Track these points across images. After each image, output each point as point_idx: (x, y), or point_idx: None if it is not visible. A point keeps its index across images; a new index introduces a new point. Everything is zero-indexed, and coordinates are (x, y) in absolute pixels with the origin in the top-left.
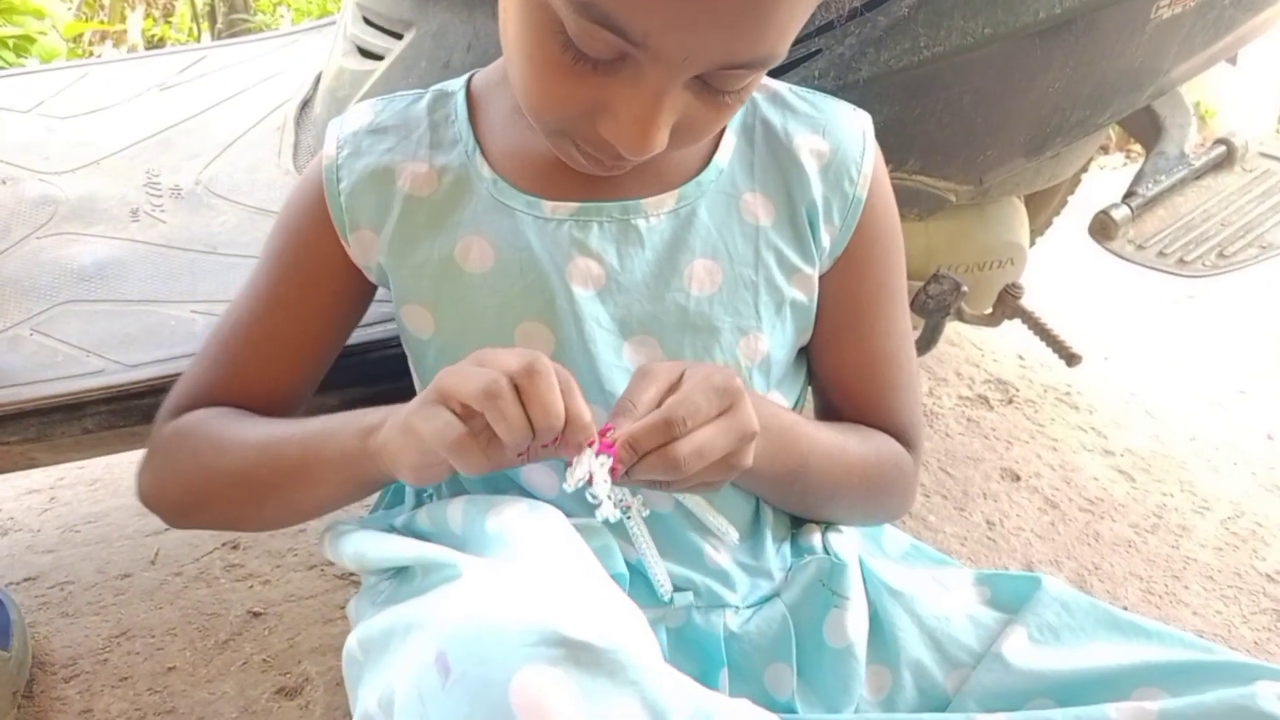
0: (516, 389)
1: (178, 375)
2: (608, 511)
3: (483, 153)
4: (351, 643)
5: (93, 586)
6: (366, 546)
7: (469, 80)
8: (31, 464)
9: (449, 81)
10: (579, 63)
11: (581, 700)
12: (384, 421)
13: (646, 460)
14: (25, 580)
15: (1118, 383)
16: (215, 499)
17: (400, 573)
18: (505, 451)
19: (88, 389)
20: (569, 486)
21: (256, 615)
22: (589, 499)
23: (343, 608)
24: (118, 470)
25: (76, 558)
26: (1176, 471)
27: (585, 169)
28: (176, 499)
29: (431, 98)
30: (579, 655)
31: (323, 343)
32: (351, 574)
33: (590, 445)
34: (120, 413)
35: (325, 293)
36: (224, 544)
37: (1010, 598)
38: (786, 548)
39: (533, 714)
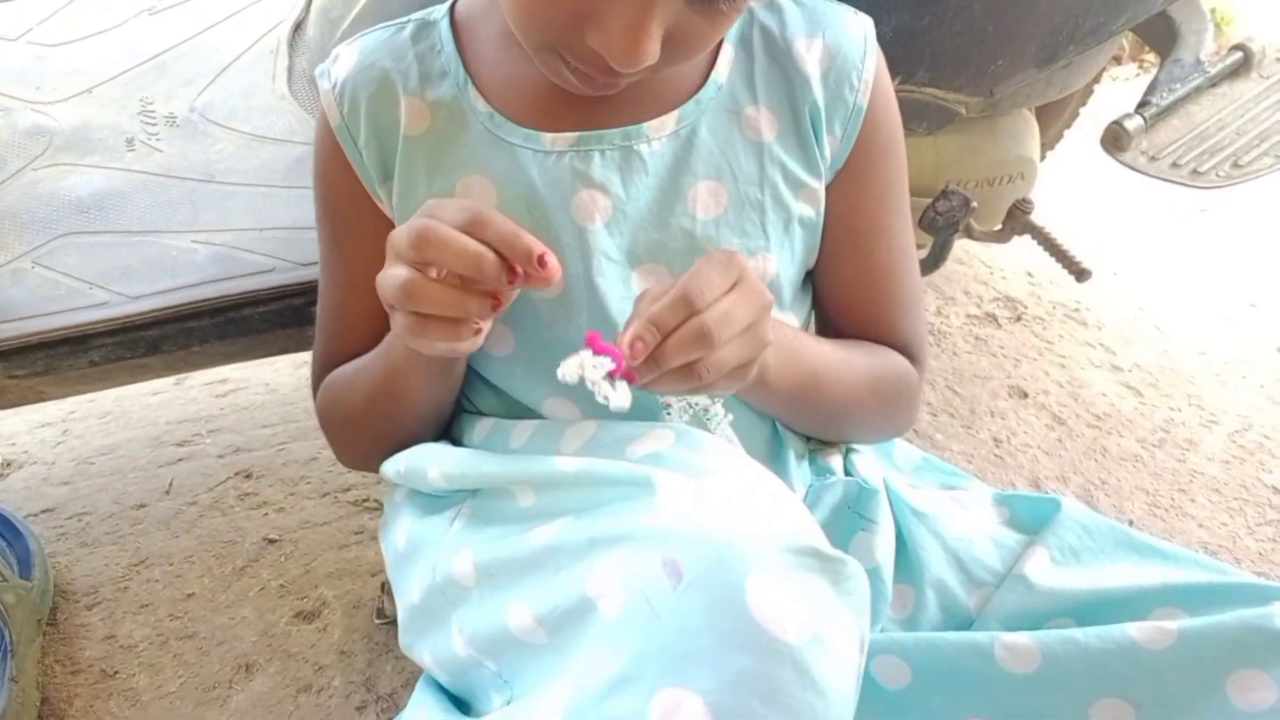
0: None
1: (182, 305)
2: (608, 392)
3: (474, 84)
4: (454, 569)
5: (110, 517)
6: (461, 459)
7: (452, 7)
8: (40, 397)
9: (430, 9)
10: None
11: (810, 602)
12: None
13: (676, 337)
14: (43, 512)
15: (1127, 298)
16: (371, 431)
17: (482, 494)
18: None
19: (92, 321)
20: (563, 376)
21: (272, 542)
22: (600, 398)
23: (358, 533)
24: (128, 402)
25: (92, 489)
26: (1184, 386)
27: (577, 89)
28: (358, 449)
29: (414, 28)
30: (807, 561)
31: None
32: (365, 500)
33: (591, 346)
34: (126, 344)
35: (379, 246)
36: (237, 473)
37: (1030, 519)
38: (806, 465)
39: (767, 612)
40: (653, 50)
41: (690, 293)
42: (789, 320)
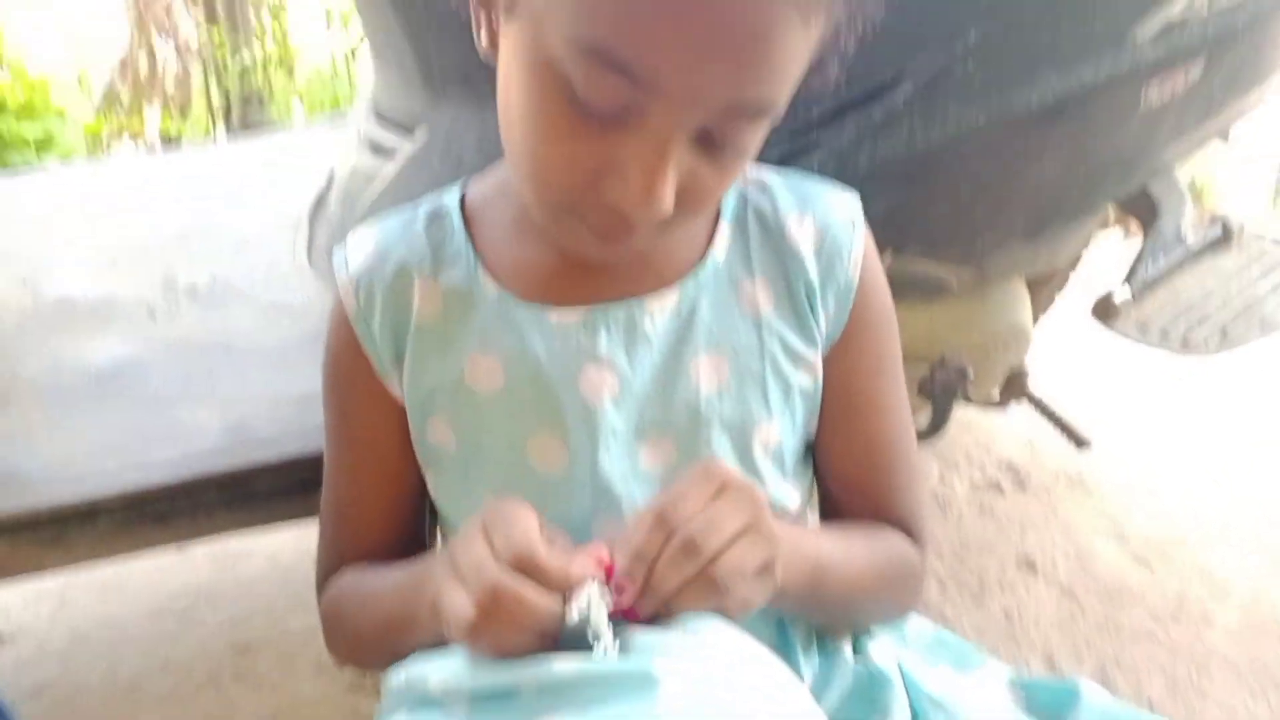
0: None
1: (192, 477)
2: (607, 643)
3: (484, 266)
4: None
5: (101, 695)
6: (459, 669)
7: (463, 193)
8: (43, 568)
9: (442, 194)
10: (584, 121)
11: None
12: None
13: (664, 558)
14: (33, 688)
15: (1128, 465)
16: (373, 648)
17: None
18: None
19: (102, 492)
20: (570, 617)
21: None
22: (590, 638)
23: (351, 716)
24: (128, 571)
25: (85, 664)
26: (1192, 556)
27: (591, 252)
28: (360, 662)
29: (427, 215)
30: None
31: (411, 483)
32: (361, 683)
33: (594, 579)
34: (134, 515)
35: (393, 440)
36: (234, 648)
37: (1049, 706)
38: (815, 653)
39: None
40: (668, 198)
41: (665, 511)
42: (790, 490)
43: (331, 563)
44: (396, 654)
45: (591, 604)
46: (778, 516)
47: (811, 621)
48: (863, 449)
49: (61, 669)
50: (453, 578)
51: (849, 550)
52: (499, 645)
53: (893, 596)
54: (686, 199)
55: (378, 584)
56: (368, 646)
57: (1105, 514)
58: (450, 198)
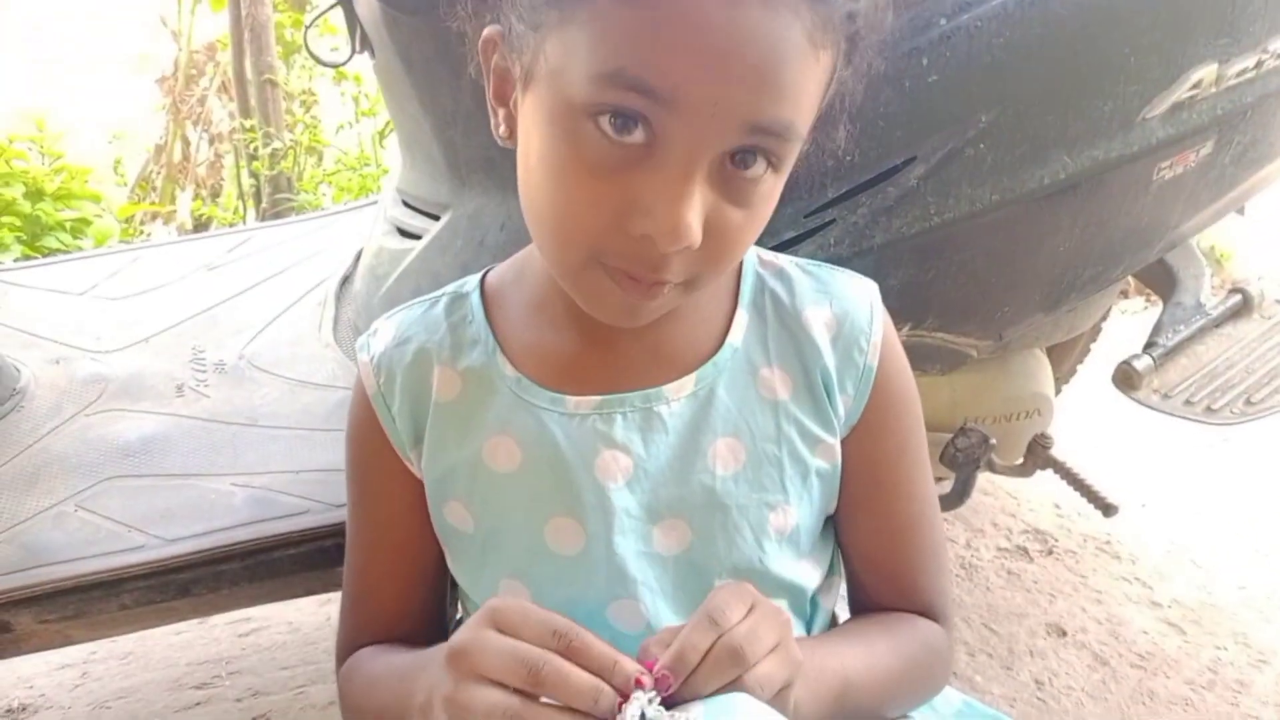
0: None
1: (215, 549)
2: None
3: (503, 351)
4: None
5: None
6: None
7: (482, 279)
8: (66, 641)
9: (462, 281)
10: (607, 161)
11: None
12: (429, 700)
13: (711, 657)
14: None
15: (1158, 530)
16: None
17: None
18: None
19: (128, 565)
20: None
21: None
22: None
23: None
24: (150, 642)
25: None
26: (1228, 623)
27: (617, 308)
28: None
29: (448, 301)
30: None
31: (430, 558)
32: None
33: (640, 686)
34: (158, 588)
35: (413, 516)
36: (254, 718)
37: None
38: None
39: None
40: (695, 226)
41: (714, 613)
42: (810, 569)
43: (351, 638)
44: None
45: (646, 714)
46: (807, 641)
47: None
48: (887, 530)
49: None
50: (470, 679)
51: (873, 657)
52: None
53: (921, 688)
54: (712, 242)
55: (382, 669)
56: None
57: (1136, 579)
58: (471, 283)
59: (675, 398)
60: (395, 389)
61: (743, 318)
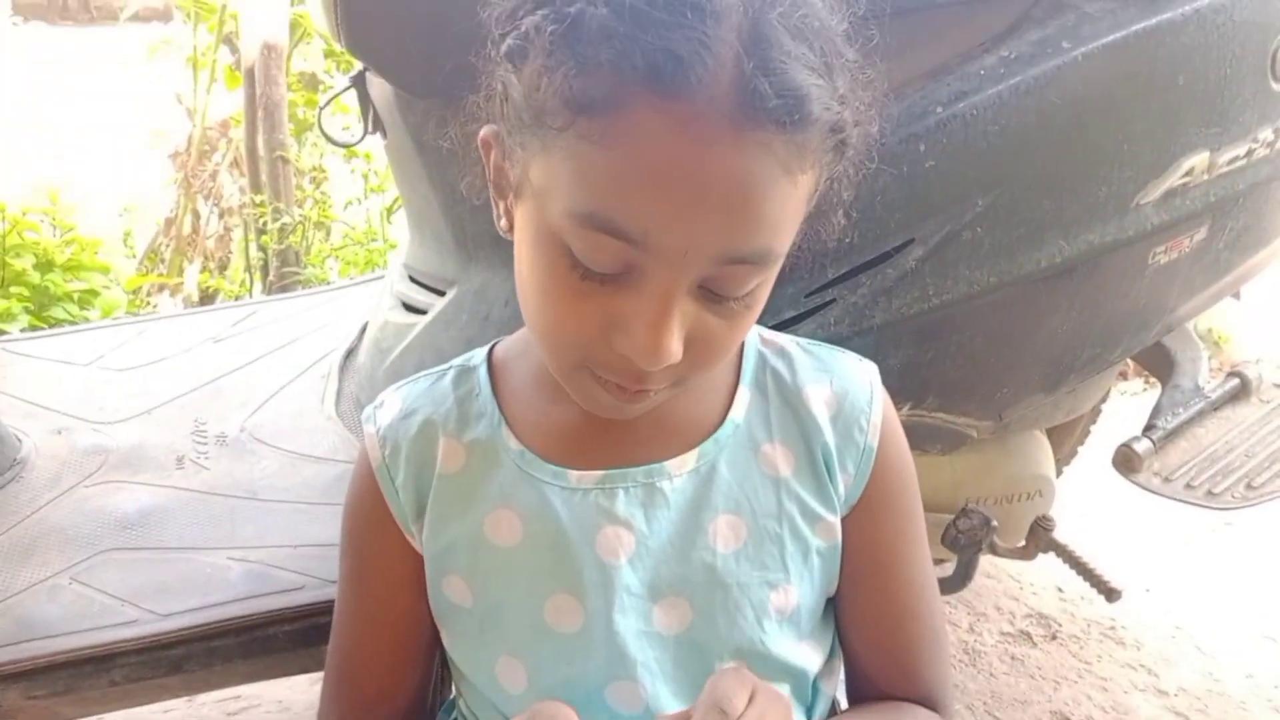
0: None
1: (209, 624)
2: None
3: (508, 424)
4: None
5: None
6: None
7: (490, 352)
8: (55, 718)
9: (470, 354)
10: (587, 281)
11: None
12: None
13: None
14: None
15: (1163, 616)
16: None
17: None
18: None
19: (120, 640)
20: None
21: None
22: None
23: None
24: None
25: None
26: (1236, 713)
27: (608, 409)
28: None
29: (455, 374)
30: None
31: (421, 636)
32: None
33: None
34: (149, 664)
35: (407, 592)
36: None
37: None
38: None
39: None
40: (675, 346)
41: (722, 701)
42: (810, 651)
43: (332, 714)
44: None
45: None
46: None
47: None
48: (887, 612)
49: None
50: None
51: None
52: None
53: None
54: (697, 350)
55: None
56: None
57: (1141, 666)
58: (479, 356)
59: (678, 473)
60: (400, 461)
61: (745, 394)
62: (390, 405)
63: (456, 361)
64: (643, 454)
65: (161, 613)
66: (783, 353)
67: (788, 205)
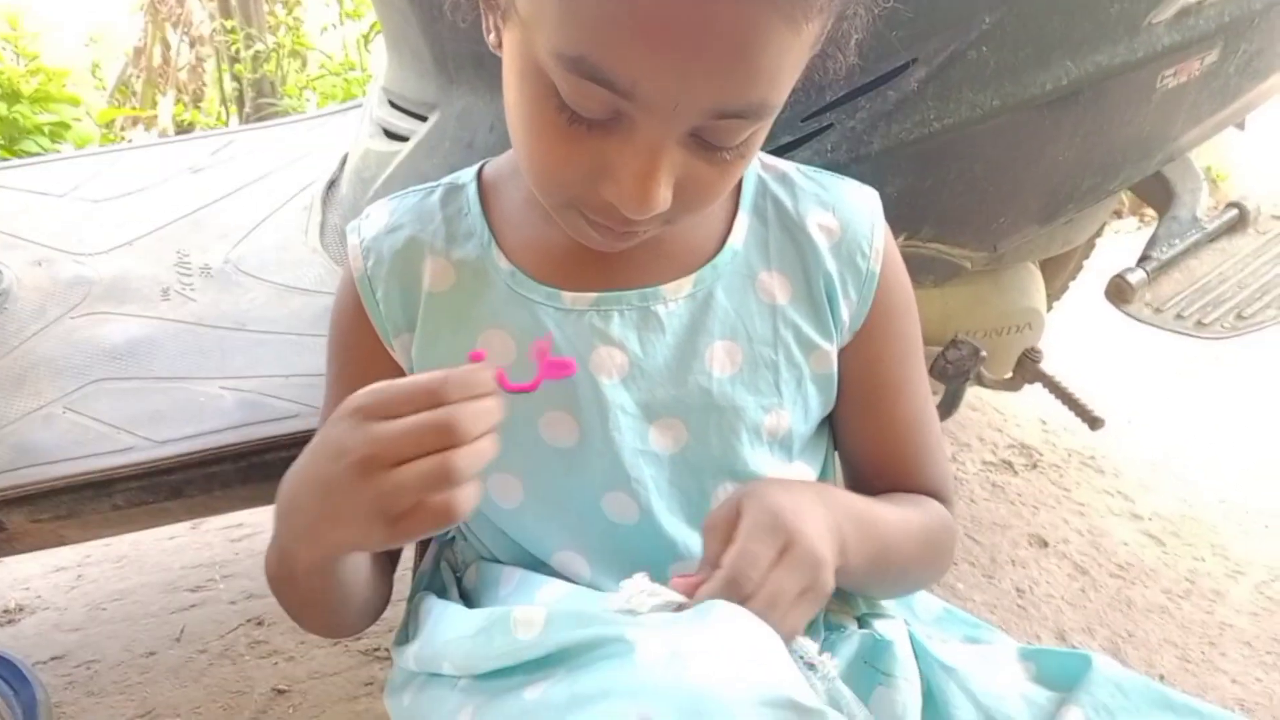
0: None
1: (206, 450)
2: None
3: (498, 244)
4: None
5: (119, 665)
6: (473, 650)
7: (479, 171)
8: (60, 541)
9: (459, 173)
10: (575, 124)
11: None
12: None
13: None
14: (52, 659)
15: (1143, 446)
16: (305, 617)
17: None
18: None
19: (118, 465)
20: (616, 604)
21: (281, 693)
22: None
23: (368, 684)
24: (143, 546)
25: (103, 635)
26: (1207, 535)
27: (597, 244)
28: (297, 619)
29: (443, 191)
30: (783, 714)
31: None
32: (376, 650)
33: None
34: (149, 489)
35: None
36: (249, 620)
37: (1060, 676)
38: (820, 627)
39: None
40: (663, 197)
41: (738, 576)
42: (803, 469)
43: None
44: (327, 618)
45: (644, 589)
46: (854, 499)
47: (866, 592)
48: (891, 429)
49: (80, 640)
50: (380, 473)
51: (907, 520)
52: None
53: (938, 560)
54: (688, 196)
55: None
56: (302, 614)
57: (1119, 492)
58: (468, 175)
59: (673, 298)
60: (383, 274)
61: (744, 220)
62: (376, 217)
63: (445, 179)
64: (638, 278)
65: (157, 439)
66: (784, 178)
67: (788, 57)
